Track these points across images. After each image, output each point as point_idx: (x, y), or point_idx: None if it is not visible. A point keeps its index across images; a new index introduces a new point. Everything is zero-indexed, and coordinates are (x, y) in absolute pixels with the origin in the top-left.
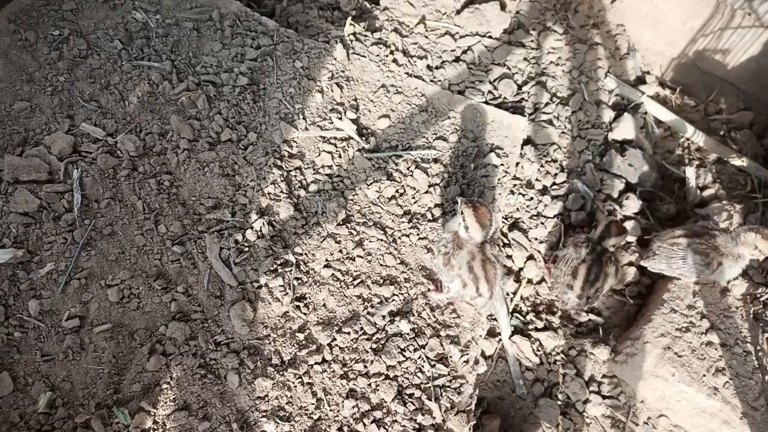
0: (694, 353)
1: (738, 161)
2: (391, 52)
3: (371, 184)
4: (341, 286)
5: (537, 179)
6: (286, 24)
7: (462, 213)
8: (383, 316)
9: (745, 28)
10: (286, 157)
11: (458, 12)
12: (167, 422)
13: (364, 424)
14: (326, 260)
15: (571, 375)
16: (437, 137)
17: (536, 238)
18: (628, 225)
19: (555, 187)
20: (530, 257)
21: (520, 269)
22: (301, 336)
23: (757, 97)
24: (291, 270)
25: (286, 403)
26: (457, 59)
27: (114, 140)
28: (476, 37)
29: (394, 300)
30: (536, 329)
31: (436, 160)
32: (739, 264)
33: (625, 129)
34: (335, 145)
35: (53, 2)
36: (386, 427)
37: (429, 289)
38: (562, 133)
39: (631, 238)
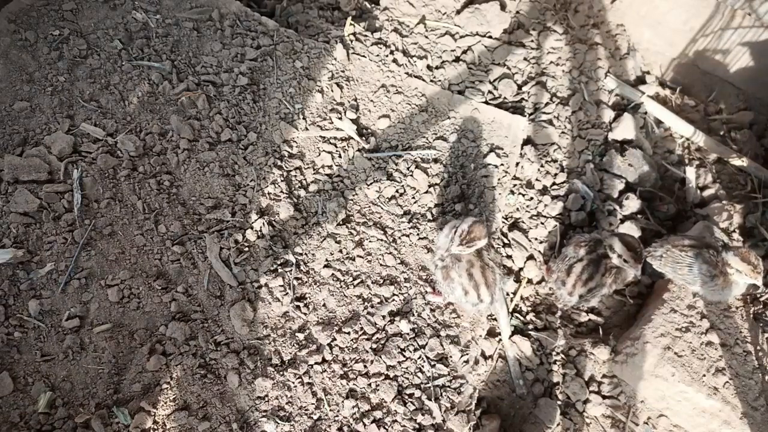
0: (694, 353)
1: (738, 161)
2: (391, 52)
3: (371, 184)
4: (341, 286)
5: (537, 179)
6: (286, 24)
7: (472, 248)
8: (383, 316)
9: (745, 28)
10: (286, 157)
11: (458, 12)
12: (167, 422)
13: (364, 424)
14: (326, 260)
15: (571, 375)
16: (437, 137)
17: (536, 238)
18: (630, 228)
19: (555, 187)
20: (530, 257)
21: (520, 269)
22: (301, 336)
23: (757, 97)
24: (291, 270)
25: (286, 403)
26: (457, 59)
27: (114, 140)
28: (476, 37)
29: (394, 300)
30: (536, 329)
31: (436, 160)
32: (740, 283)
33: (625, 129)
34: (335, 145)
35: (53, 2)
36: (386, 427)
37: (427, 291)
38: (562, 133)
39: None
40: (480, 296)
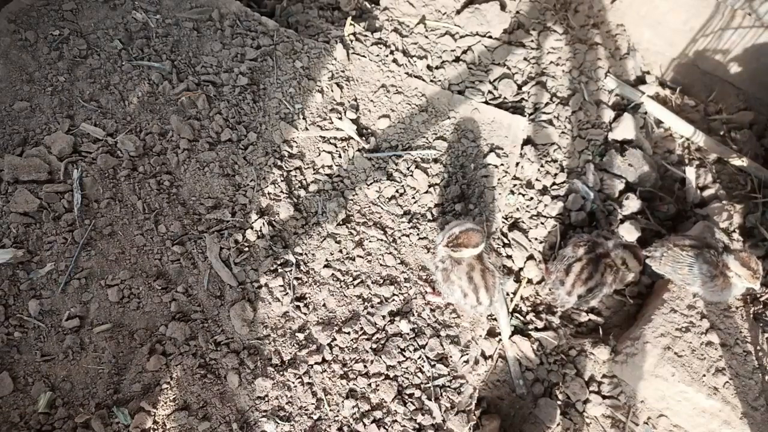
0: (694, 353)
1: (738, 161)
2: (391, 52)
3: (371, 184)
4: (341, 286)
5: (537, 179)
6: (286, 24)
7: (458, 253)
8: (383, 316)
9: (745, 28)
10: (286, 157)
11: (458, 12)
12: (167, 422)
13: (364, 424)
14: (326, 260)
15: (571, 375)
16: (437, 137)
17: (536, 238)
18: (630, 229)
19: (555, 187)
20: (530, 257)
21: (520, 269)
22: (301, 336)
23: (757, 97)
24: (291, 270)
25: (286, 403)
26: (457, 59)
27: (114, 140)
28: (476, 37)
29: (394, 300)
30: (536, 329)
31: (436, 160)
32: (739, 284)
33: (625, 129)
34: (335, 145)
35: (53, 2)
36: (386, 427)
37: (427, 292)
38: (562, 133)
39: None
40: (479, 299)
